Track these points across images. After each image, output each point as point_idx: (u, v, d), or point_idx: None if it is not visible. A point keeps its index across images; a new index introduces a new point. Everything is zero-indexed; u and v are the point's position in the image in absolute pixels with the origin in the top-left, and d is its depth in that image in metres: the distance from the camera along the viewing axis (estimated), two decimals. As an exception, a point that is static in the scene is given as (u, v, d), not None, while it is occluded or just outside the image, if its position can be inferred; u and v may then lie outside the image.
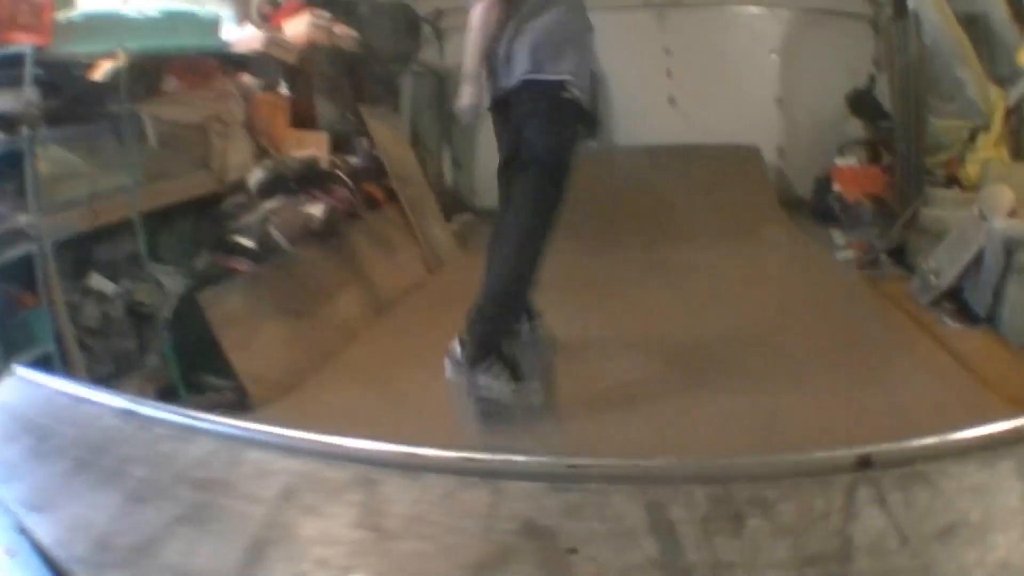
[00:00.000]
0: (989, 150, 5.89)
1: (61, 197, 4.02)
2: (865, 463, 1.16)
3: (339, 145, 6.61)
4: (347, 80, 7.06)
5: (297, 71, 6.20)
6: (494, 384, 3.90)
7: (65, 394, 1.74)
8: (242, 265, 5.04)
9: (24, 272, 3.77)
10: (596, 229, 7.39)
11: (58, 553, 1.18)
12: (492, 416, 3.93)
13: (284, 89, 6.10)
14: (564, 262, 6.63)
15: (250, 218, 5.33)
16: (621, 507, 1.08)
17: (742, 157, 8.25)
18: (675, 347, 4.73)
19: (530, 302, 4.52)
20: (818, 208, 7.86)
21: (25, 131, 3.74)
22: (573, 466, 1.16)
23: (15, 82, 3.85)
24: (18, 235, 3.74)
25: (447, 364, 4.08)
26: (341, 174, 6.41)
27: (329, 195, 6.08)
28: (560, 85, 3.88)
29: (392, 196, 6.97)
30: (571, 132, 4.07)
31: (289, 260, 5.36)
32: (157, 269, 4.52)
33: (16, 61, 3.86)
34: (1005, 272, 4.64)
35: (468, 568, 1.01)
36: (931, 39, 6.24)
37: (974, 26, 6.71)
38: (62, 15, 4.30)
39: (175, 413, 1.57)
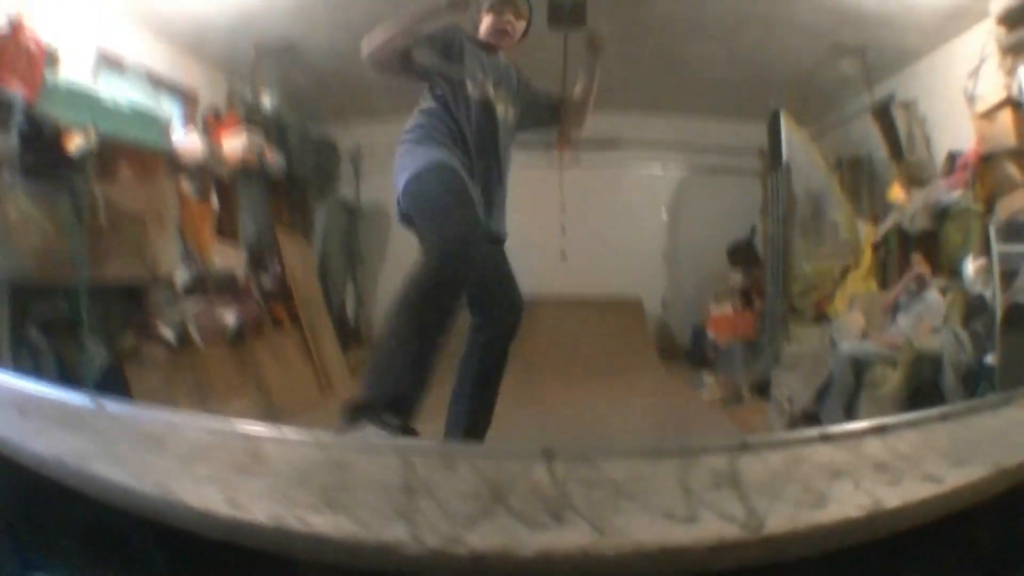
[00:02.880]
0: (858, 284, 6.55)
1: (19, 244, 4.28)
2: (548, 454, 1.61)
3: (254, 262, 6.92)
4: (269, 203, 7.44)
5: (227, 185, 6.56)
6: None
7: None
8: (161, 352, 5.27)
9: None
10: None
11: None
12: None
13: (213, 200, 6.42)
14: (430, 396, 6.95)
15: (172, 312, 5.60)
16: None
17: (623, 309, 8.78)
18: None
19: None
20: (694, 354, 8.41)
21: (5, 174, 4.04)
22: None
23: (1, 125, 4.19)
24: (-23, 265, 3.97)
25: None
26: (253, 289, 6.74)
27: (241, 306, 6.38)
28: None
29: (295, 318, 7.23)
30: None
31: (201, 356, 5.59)
32: (86, 338, 4.71)
33: (5, 104, 4.22)
34: (856, 390, 5.17)
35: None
36: (804, 188, 7.01)
37: (857, 167, 7.56)
38: (48, 74, 4.65)
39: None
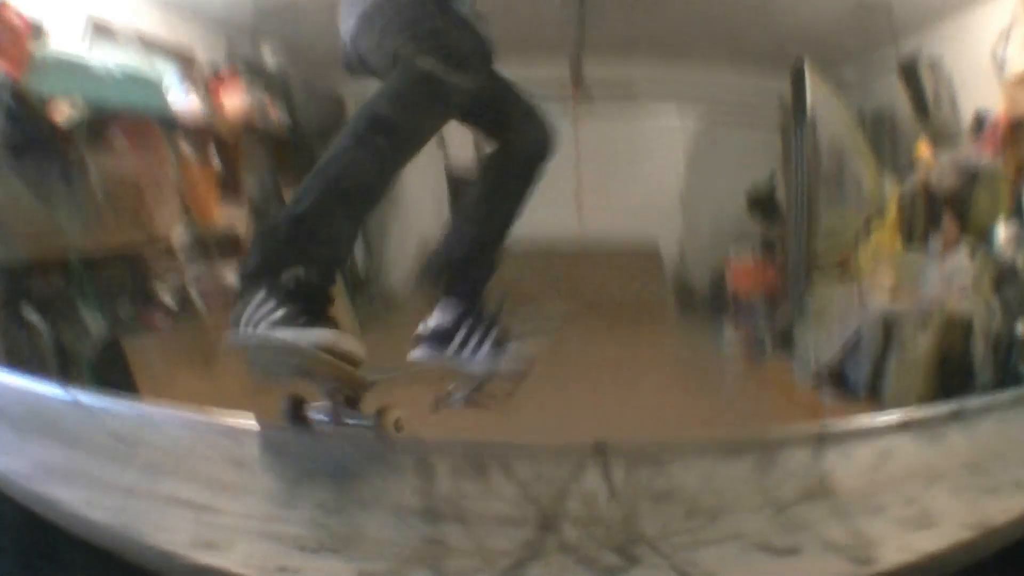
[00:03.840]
0: (883, 241, 6.38)
1: (9, 226, 4.25)
2: (601, 450, 1.38)
3: (259, 222, 6.79)
4: (274, 162, 7.28)
5: (230, 147, 6.40)
6: None
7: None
8: (162, 322, 5.16)
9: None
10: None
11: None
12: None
13: (216, 163, 6.26)
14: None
15: (174, 280, 5.48)
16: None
17: (640, 260, 8.60)
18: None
19: None
20: (714, 304, 8.26)
21: (-7, 154, 3.95)
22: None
23: (-15, 104, 4.02)
24: (-33, 247, 3.84)
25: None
26: (259, 249, 6.61)
27: (245, 265, 6.26)
28: None
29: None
30: None
31: (206, 326, 5.48)
32: (84, 312, 4.60)
33: (-10, 83, 4.04)
34: (885, 349, 5.01)
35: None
36: (828, 142, 6.86)
37: (880, 122, 7.44)
38: (35, 48, 4.47)
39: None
